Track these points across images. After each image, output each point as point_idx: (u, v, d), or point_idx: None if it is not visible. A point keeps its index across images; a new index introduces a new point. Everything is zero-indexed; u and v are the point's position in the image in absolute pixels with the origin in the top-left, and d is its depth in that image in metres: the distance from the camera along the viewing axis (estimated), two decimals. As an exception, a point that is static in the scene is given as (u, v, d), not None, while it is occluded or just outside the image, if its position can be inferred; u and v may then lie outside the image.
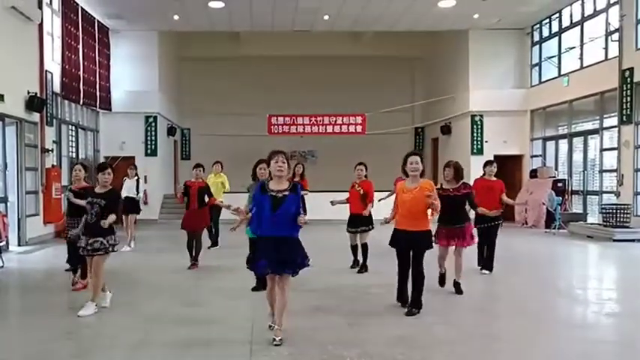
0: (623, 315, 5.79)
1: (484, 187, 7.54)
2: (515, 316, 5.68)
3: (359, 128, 17.30)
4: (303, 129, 17.33)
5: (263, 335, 4.66)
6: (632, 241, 11.02)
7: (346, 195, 7.89)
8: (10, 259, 9.02)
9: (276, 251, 4.40)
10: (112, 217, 5.36)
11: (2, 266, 8.35)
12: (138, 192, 10.36)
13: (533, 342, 4.74)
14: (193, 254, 8.09)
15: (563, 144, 15.28)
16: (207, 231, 9.24)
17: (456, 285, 6.40)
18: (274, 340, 4.41)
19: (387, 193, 9.17)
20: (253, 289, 6.28)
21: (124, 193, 9.85)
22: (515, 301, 6.45)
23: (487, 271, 7.54)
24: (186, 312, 5.63)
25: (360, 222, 7.61)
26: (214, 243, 10.03)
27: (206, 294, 6.58)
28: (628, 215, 11.53)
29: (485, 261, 7.59)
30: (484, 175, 7.81)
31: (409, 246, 5.38)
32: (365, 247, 7.69)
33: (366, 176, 7.71)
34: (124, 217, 10.11)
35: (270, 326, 4.69)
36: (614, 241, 11.08)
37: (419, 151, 20.67)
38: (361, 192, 7.59)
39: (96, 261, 5.46)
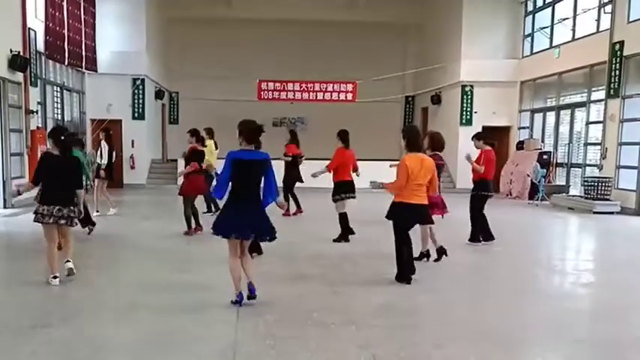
0: (599, 285, 6.02)
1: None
2: (495, 286, 5.87)
3: (349, 96, 17.20)
4: (294, 95, 17.19)
5: (250, 301, 4.78)
6: (611, 213, 11.31)
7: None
8: (-3, 222, 9.01)
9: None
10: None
11: (-11, 228, 8.35)
12: (102, 157, 9.83)
13: (511, 311, 4.92)
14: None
15: (551, 116, 15.38)
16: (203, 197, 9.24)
17: (441, 249, 6.50)
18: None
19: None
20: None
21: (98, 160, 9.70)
22: (496, 271, 6.65)
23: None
24: (174, 277, 5.72)
25: (352, 189, 7.78)
26: (209, 209, 9.97)
27: (194, 259, 6.67)
28: (609, 188, 11.78)
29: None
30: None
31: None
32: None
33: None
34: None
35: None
36: (594, 213, 11.35)
37: (408, 121, 20.69)
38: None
39: (67, 229, 5.46)
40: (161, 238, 7.96)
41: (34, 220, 5.33)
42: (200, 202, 8.71)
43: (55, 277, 5.25)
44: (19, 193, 5.70)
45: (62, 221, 5.27)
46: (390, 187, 5.50)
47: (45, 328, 4.12)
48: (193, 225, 8.08)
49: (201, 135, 8.77)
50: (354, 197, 7.78)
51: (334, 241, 7.67)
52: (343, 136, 7.85)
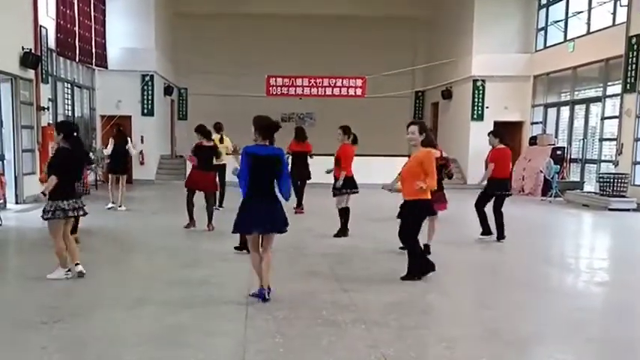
0: (613, 284, 5.89)
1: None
2: (507, 284, 5.77)
3: (359, 91, 17.09)
4: (302, 91, 17.12)
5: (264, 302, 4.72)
6: (627, 210, 11.10)
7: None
8: (8, 218, 9.06)
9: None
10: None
11: (0, 224, 8.40)
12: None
13: (522, 309, 4.83)
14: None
15: (565, 111, 15.15)
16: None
17: (427, 247, 6.23)
18: None
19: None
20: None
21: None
22: (508, 269, 6.54)
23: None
24: (183, 272, 5.70)
25: (354, 184, 7.80)
26: (219, 204, 9.99)
27: (204, 255, 6.64)
28: (625, 184, 11.56)
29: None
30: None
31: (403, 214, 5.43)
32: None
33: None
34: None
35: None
36: (610, 210, 11.16)
37: (418, 117, 20.52)
38: None
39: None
40: (170, 233, 7.94)
41: (56, 217, 5.32)
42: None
43: (69, 271, 5.34)
44: (45, 195, 5.52)
45: (81, 212, 5.51)
46: None
47: (55, 323, 4.11)
48: (207, 222, 8.08)
49: (207, 130, 8.67)
50: (357, 192, 7.79)
51: (334, 236, 7.67)
52: (349, 131, 7.79)
